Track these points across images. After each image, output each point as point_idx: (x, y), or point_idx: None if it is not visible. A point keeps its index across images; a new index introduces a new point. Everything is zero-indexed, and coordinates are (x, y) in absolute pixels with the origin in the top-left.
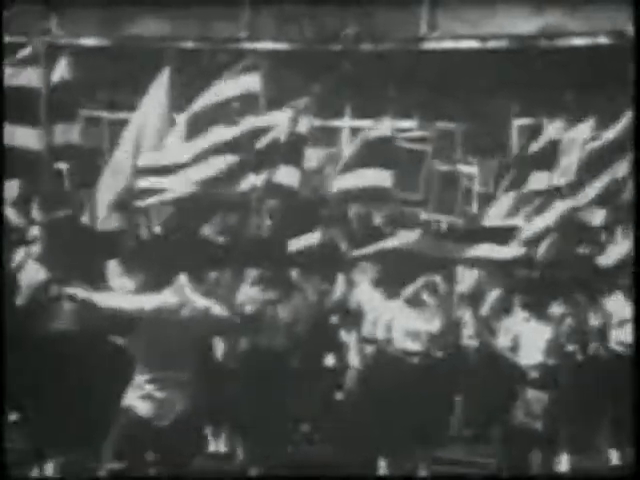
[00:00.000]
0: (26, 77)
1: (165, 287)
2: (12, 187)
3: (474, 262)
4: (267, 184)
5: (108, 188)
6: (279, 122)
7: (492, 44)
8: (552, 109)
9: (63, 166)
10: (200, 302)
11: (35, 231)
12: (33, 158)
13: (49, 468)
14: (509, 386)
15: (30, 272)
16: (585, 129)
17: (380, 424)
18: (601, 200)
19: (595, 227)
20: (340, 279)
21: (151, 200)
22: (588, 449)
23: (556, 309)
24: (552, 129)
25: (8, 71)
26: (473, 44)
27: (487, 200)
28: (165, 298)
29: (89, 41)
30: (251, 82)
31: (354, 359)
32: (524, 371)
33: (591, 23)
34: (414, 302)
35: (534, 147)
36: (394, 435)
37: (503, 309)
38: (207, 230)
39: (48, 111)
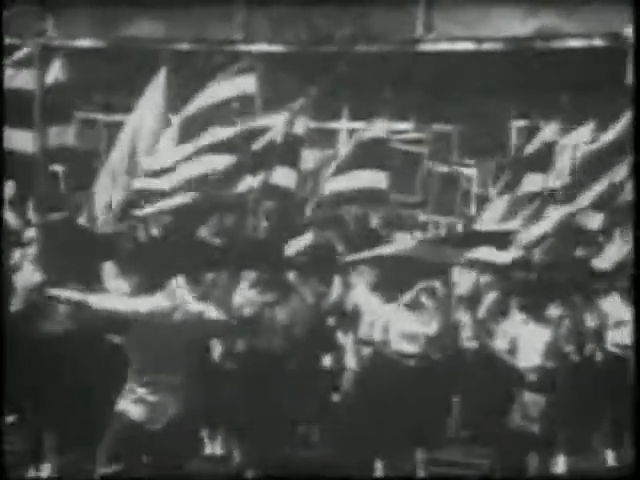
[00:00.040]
0: (21, 79)
1: (160, 290)
2: (8, 189)
3: (471, 264)
4: (264, 185)
5: (105, 190)
6: (275, 124)
7: (488, 46)
8: (548, 111)
9: (58, 168)
10: (195, 305)
11: (31, 233)
12: (28, 160)
13: (46, 470)
14: (506, 389)
15: (26, 274)
16: (582, 132)
17: (377, 426)
18: (598, 204)
19: (592, 230)
20: (337, 281)
21: (149, 202)
22: (585, 450)
23: (553, 311)
24: (548, 131)
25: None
26: (469, 46)
27: (485, 202)
28: (159, 301)
29: (84, 42)
30: (247, 84)
31: (351, 361)
32: (522, 374)
33: (587, 25)
34: (411, 305)
35: (529, 149)
36: (391, 437)
37: (500, 312)
38: (204, 232)
39: (43, 113)
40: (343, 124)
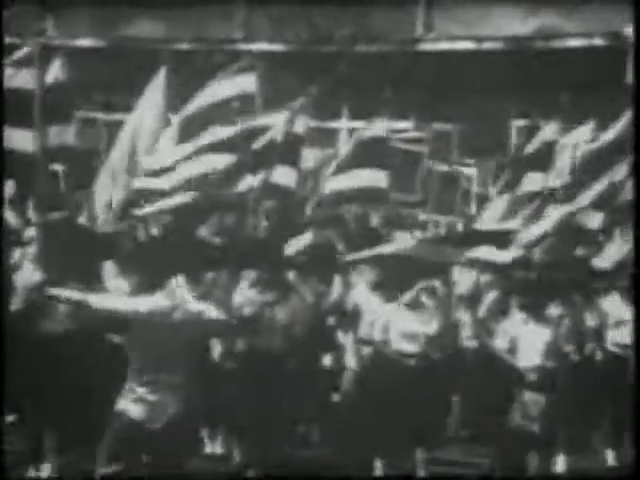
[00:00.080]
0: (21, 79)
1: (160, 289)
2: (8, 188)
3: (472, 264)
4: (264, 185)
5: (105, 189)
6: (275, 123)
7: (488, 45)
8: (548, 110)
9: (58, 168)
10: (194, 305)
11: (31, 232)
12: (28, 160)
13: (46, 469)
14: (506, 388)
15: (26, 273)
16: (582, 132)
17: (377, 425)
18: (598, 203)
19: (592, 230)
20: (337, 280)
21: (149, 202)
22: (585, 450)
23: (553, 311)
24: (548, 130)
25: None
26: (469, 45)
27: (485, 201)
28: (159, 300)
29: (85, 42)
30: (247, 83)
31: (351, 360)
32: (522, 373)
33: (587, 24)
34: (412, 304)
35: (529, 148)
36: (391, 436)
37: (500, 311)
38: (204, 231)
39: (42, 112)
40: (343, 123)
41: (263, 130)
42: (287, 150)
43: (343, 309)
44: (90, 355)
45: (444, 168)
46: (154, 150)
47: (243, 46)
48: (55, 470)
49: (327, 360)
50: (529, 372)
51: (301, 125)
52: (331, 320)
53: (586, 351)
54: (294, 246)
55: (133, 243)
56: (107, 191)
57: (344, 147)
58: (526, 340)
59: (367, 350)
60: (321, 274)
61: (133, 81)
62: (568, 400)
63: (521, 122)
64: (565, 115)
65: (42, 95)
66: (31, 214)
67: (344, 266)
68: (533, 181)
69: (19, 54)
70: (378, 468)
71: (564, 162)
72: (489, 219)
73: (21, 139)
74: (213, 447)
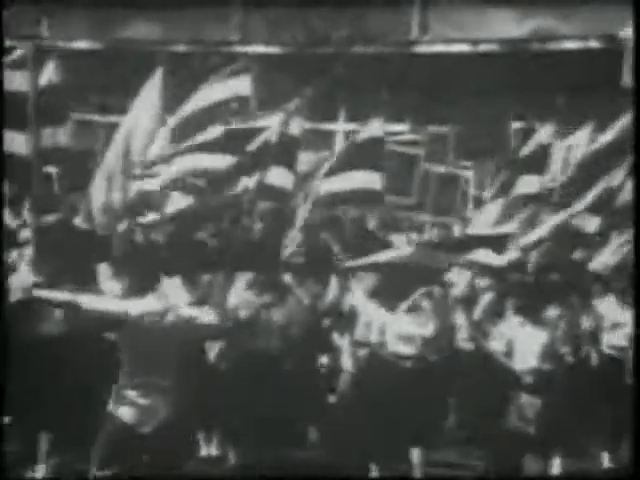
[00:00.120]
0: (15, 81)
1: (154, 292)
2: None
3: (468, 267)
4: (259, 186)
5: (100, 191)
6: (270, 124)
7: (483, 47)
8: (543, 113)
9: (52, 170)
10: (188, 308)
11: (26, 234)
12: (22, 162)
13: (41, 470)
14: (503, 390)
15: (22, 275)
16: (577, 134)
17: (373, 427)
18: (595, 207)
19: (589, 233)
20: (333, 282)
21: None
22: (581, 452)
23: (549, 313)
24: (543, 133)
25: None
26: (464, 47)
27: (481, 204)
28: (153, 303)
29: (81, 44)
30: (242, 85)
31: (347, 362)
32: (518, 375)
33: (582, 27)
34: (408, 307)
35: (525, 151)
36: (387, 438)
37: (496, 313)
38: (200, 233)
39: (36, 114)
40: (339, 125)
41: (258, 132)
42: (282, 152)
43: (339, 311)
44: (86, 355)
45: (440, 170)
46: (149, 151)
47: (239, 48)
48: (50, 471)
49: (323, 362)
50: (525, 374)
51: (296, 127)
52: (327, 322)
53: (582, 353)
54: (290, 248)
55: (128, 245)
56: (103, 193)
57: (340, 149)
58: (522, 342)
59: (363, 352)
60: (317, 276)
61: (129, 83)
62: (564, 402)
63: (517, 124)
64: (561, 117)
65: (35, 97)
66: (26, 216)
67: (342, 272)
68: (529, 184)
69: (13, 56)
70: (374, 470)
71: (559, 165)
72: (485, 222)
73: (15, 141)
74: (209, 449)
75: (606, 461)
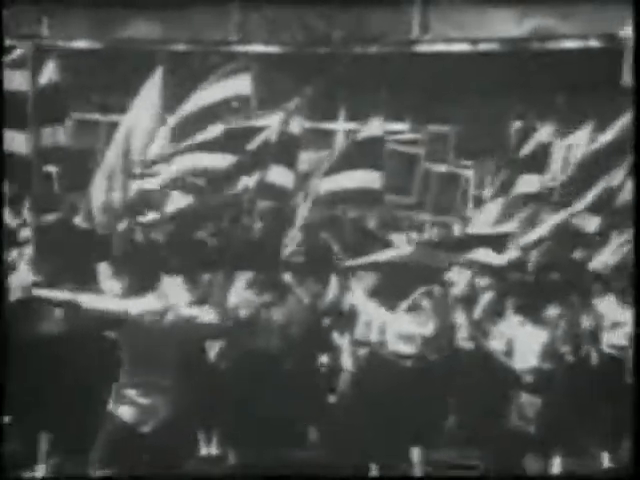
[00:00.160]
0: (15, 80)
1: (154, 291)
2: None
3: (468, 266)
4: (259, 185)
5: (101, 190)
6: (270, 124)
7: (484, 47)
8: (543, 112)
9: (52, 169)
10: (188, 307)
11: (26, 233)
12: (21, 161)
13: (41, 470)
14: (503, 390)
15: (22, 274)
16: (577, 134)
17: (373, 426)
18: (595, 206)
19: (589, 233)
20: (333, 281)
21: (144, 203)
22: (581, 451)
23: (550, 313)
24: (543, 132)
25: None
26: (465, 47)
27: (481, 203)
28: (153, 302)
29: (81, 44)
30: (242, 84)
31: (347, 361)
32: (518, 375)
33: (582, 26)
34: (408, 306)
35: (525, 150)
36: (387, 437)
37: (497, 313)
38: (200, 233)
39: (36, 114)
40: (339, 125)
41: (258, 131)
42: (282, 151)
43: (339, 310)
44: (86, 354)
45: (440, 170)
46: (149, 151)
47: (239, 48)
48: (50, 471)
49: (323, 361)
50: (525, 374)
51: (296, 126)
52: (327, 321)
53: (582, 353)
54: (290, 247)
55: (128, 244)
56: (103, 192)
57: (340, 148)
58: (522, 342)
59: (363, 351)
60: (317, 275)
61: (129, 82)
62: (564, 402)
63: (517, 124)
64: (561, 117)
65: (35, 97)
66: (26, 215)
67: (342, 271)
68: (528, 183)
69: (13, 56)
70: (374, 469)
71: (559, 164)
72: (485, 221)
73: (14, 140)
74: (209, 449)
75: (606, 461)
